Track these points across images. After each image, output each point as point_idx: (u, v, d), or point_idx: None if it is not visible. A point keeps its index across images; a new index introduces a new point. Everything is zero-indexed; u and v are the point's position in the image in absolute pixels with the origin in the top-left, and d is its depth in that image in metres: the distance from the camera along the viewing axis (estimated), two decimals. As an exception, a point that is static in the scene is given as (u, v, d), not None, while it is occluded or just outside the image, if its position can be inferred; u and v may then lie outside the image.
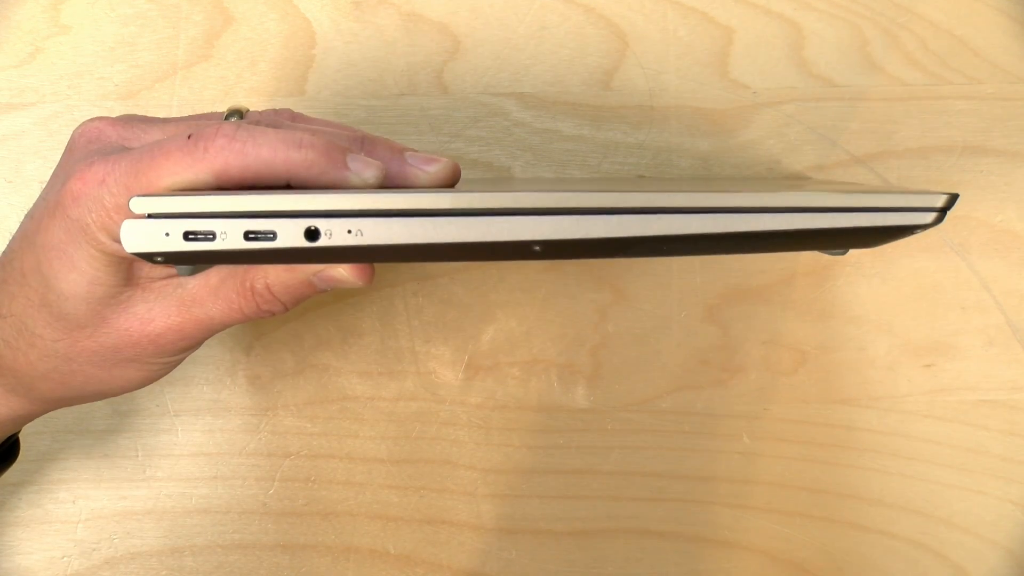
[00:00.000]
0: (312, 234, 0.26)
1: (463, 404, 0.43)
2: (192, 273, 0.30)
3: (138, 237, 0.26)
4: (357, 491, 0.42)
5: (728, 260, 0.43)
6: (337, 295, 0.43)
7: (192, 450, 0.43)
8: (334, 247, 0.26)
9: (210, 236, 0.26)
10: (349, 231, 0.26)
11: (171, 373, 0.42)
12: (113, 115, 0.31)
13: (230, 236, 0.26)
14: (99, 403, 0.42)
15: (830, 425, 0.42)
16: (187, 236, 0.26)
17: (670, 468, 0.42)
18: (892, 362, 0.42)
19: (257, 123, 0.30)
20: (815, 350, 0.42)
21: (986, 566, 0.42)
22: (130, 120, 0.31)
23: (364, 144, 0.31)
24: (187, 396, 0.43)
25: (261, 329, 0.43)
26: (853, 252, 0.42)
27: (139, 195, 0.26)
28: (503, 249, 0.27)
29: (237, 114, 0.32)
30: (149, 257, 0.27)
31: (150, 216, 0.26)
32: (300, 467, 0.42)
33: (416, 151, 0.31)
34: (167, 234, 0.26)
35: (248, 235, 0.26)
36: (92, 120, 0.31)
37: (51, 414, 0.42)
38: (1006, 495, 0.42)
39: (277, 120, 0.32)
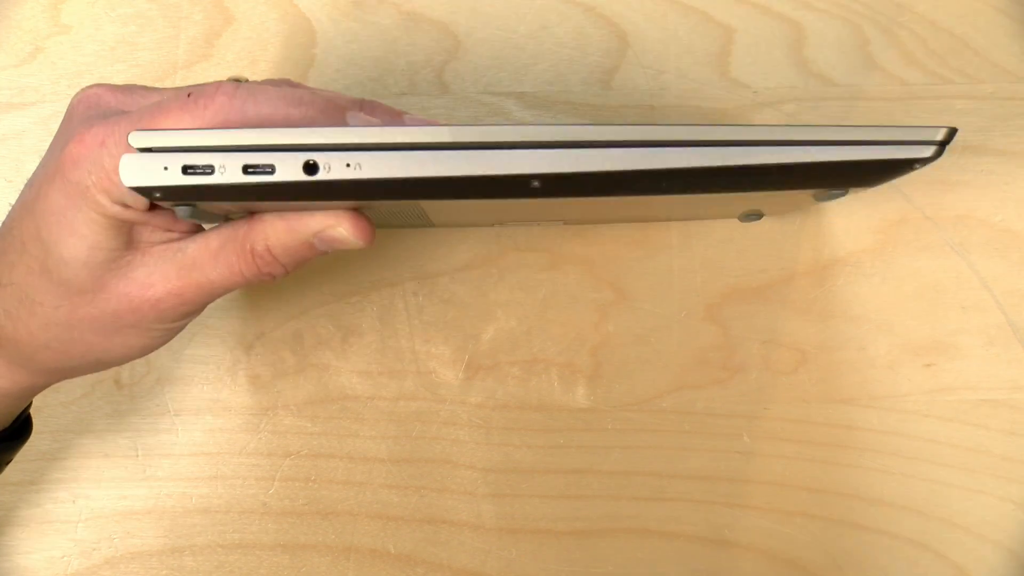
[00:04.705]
0: (311, 168, 0.26)
1: (463, 404, 0.43)
2: (191, 216, 0.30)
3: (136, 171, 0.26)
4: (357, 491, 0.42)
5: (728, 260, 0.43)
6: (338, 295, 0.43)
7: (192, 450, 0.43)
8: (332, 181, 0.26)
9: (209, 170, 0.26)
10: (348, 165, 0.26)
11: (171, 373, 0.43)
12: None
13: (228, 170, 0.26)
14: (99, 403, 0.42)
15: (830, 425, 0.42)
16: (186, 170, 0.26)
17: (670, 468, 0.42)
18: (892, 362, 0.42)
19: None
20: (815, 350, 0.42)
21: (986, 566, 0.42)
22: (130, 87, 0.31)
23: (363, 105, 0.31)
24: (187, 396, 0.43)
25: (262, 328, 0.43)
26: (853, 252, 0.42)
27: (138, 129, 0.26)
28: (501, 184, 0.26)
29: (237, 82, 0.32)
30: (147, 192, 0.26)
31: (149, 151, 0.26)
32: (300, 467, 0.42)
33: (415, 114, 0.31)
34: (166, 168, 0.26)
35: (247, 169, 0.26)
36: (91, 86, 0.30)
37: (51, 413, 0.42)
38: (1007, 495, 0.42)
39: (278, 85, 0.32)
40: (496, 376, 0.43)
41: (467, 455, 0.43)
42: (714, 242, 0.43)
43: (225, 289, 0.31)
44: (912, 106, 0.42)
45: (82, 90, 0.31)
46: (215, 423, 0.43)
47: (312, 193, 0.27)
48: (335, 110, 0.28)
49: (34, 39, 0.43)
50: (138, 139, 0.26)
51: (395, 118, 0.30)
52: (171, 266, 0.30)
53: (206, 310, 0.33)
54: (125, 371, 0.43)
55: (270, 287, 0.43)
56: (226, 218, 0.32)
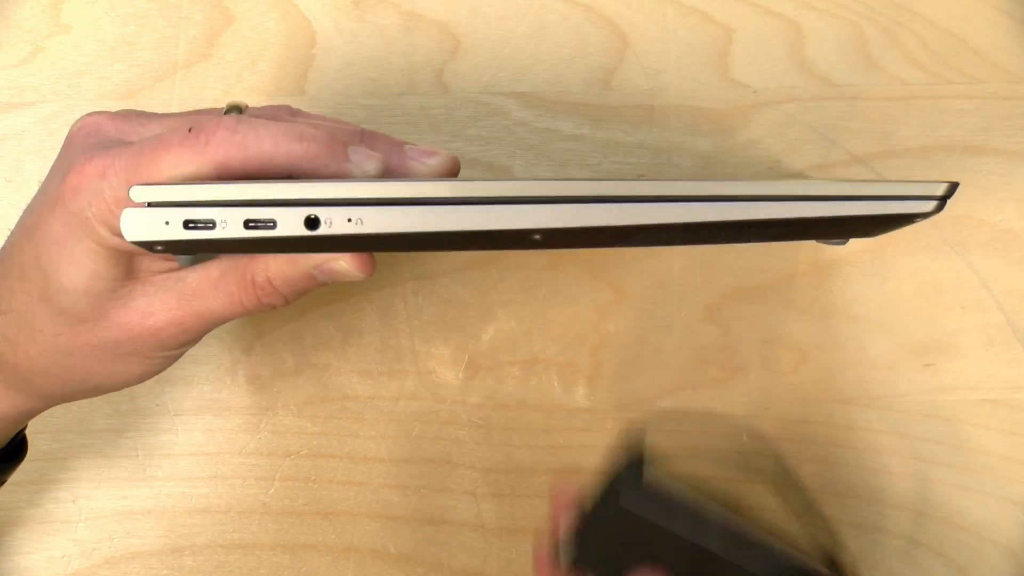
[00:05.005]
0: (312, 223, 0.26)
1: (463, 403, 0.43)
2: (192, 263, 0.30)
3: (138, 226, 0.26)
4: (357, 491, 0.42)
5: (728, 260, 0.43)
6: (338, 295, 0.43)
7: (192, 450, 0.43)
8: (334, 236, 0.26)
9: (210, 225, 0.26)
10: (349, 219, 0.26)
11: (171, 373, 0.43)
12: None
13: (230, 225, 0.26)
14: (99, 403, 0.42)
15: (830, 425, 0.42)
16: (187, 225, 0.26)
17: (670, 468, 0.42)
18: (892, 362, 0.42)
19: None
20: (815, 350, 0.42)
21: (986, 566, 0.42)
22: (129, 114, 0.31)
23: (364, 137, 0.31)
24: (187, 396, 0.43)
25: (261, 328, 0.43)
26: (853, 251, 0.42)
27: (139, 184, 0.26)
28: (503, 238, 0.27)
29: (236, 110, 0.32)
30: (149, 246, 0.27)
31: (150, 205, 0.26)
32: (300, 467, 0.42)
33: (415, 145, 0.31)
34: (167, 223, 0.26)
35: (248, 223, 0.26)
36: (91, 114, 0.31)
37: (51, 413, 0.42)
38: (1006, 494, 0.42)
39: (277, 115, 0.32)
40: (496, 376, 0.43)
41: (467, 455, 0.43)
42: (714, 242, 0.43)
43: (225, 318, 0.31)
44: (912, 106, 0.42)
45: (82, 118, 0.31)
46: (215, 423, 0.43)
47: (313, 246, 0.27)
48: (337, 144, 0.28)
49: (34, 39, 0.43)
50: (139, 193, 0.26)
51: (396, 149, 0.30)
52: (172, 295, 0.30)
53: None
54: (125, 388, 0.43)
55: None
56: None
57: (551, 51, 0.43)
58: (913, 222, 0.28)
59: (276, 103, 0.42)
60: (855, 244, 0.42)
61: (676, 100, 0.43)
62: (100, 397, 0.42)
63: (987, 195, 0.42)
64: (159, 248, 0.27)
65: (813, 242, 0.42)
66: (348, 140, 0.29)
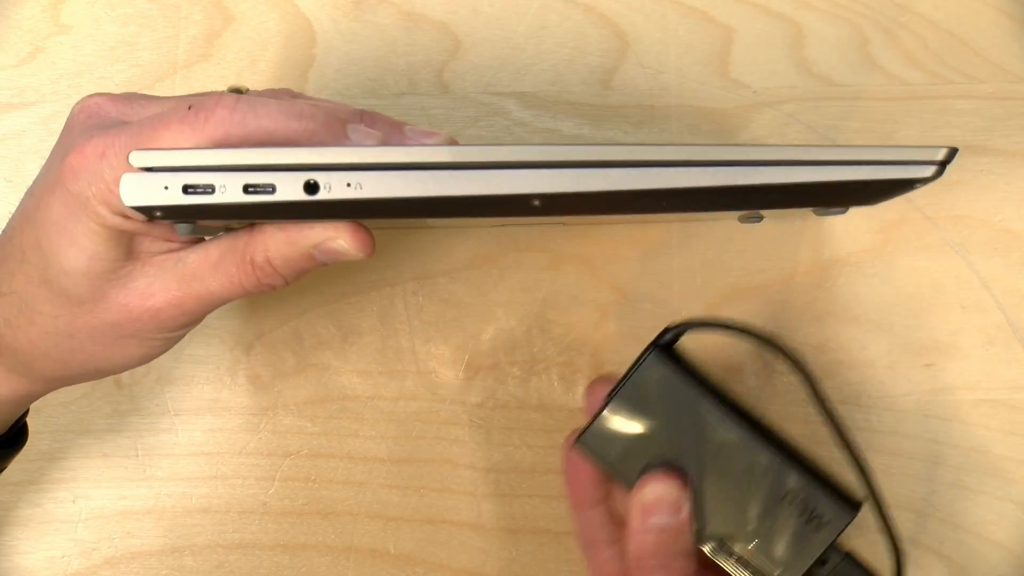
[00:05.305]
0: (311, 187, 0.26)
1: (463, 403, 0.43)
2: (192, 232, 0.30)
3: (137, 190, 0.26)
4: (357, 491, 0.42)
5: (728, 260, 0.43)
6: (338, 295, 0.43)
7: (192, 450, 0.43)
8: (333, 200, 0.26)
9: (209, 189, 0.26)
10: (348, 184, 0.26)
11: (171, 372, 0.43)
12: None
13: (229, 189, 0.26)
14: (99, 403, 0.42)
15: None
16: (186, 190, 0.26)
17: (670, 468, 0.42)
18: (892, 362, 0.42)
19: None
20: (814, 350, 0.42)
21: (986, 566, 0.42)
22: (130, 96, 0.31)
23: (363, 117, 0.31)
24: (187, 396, 0.43)
25: (262, 328, 0.43)
26: (853, 251, 0.42)
27: (138, 149, 0.26)
28: (502, 203, 0.26)
29: (237, 92, 0.32)
30: (148, 212, 0.27)
31: (149, 170, 0.26)
32: (300, 467, 0.42)
33: (415, 126, 0.31)
34: (166, 187, 0.26)
35: (247, 188, 0.26)
36: (91, 96, 0.31)
37: (51, 413, 0.42)
38: (1006, 495, 0.42)
39: (278, 97, 0.32)
40: (496, 376, 0.43)
41: (467, 455, 0.43)
42: (714, 242, 0.43)
43: (224, 300, 0.31)
44: (912, 106, 0.42)
45: (82, 99, 0.31)
46: (215, 423, 0.43)
47: (313, 212, 0.27)
48: (336, 123, 0.28)
49: (34, 39, 0.43)
50: (138, 158, 0.26)
51: (395, 129, 0.30)
52: (171, 276, 0.30)
53: (206, 310, 0.33)
54: (125, 371, 0.43)
55: (270, 287, 0.43)
56: (226, 228, 0.32)
57: (551, 51, 0.43)
58: (913, 188, 0.28)
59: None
60: (855, 244, 0.42)
61: (676, 100, 0.43)
62: (100, 397, 0.42)
63: (987, 195, 0.42)
64: (158, 214, 0.27)
65: (812, 243, 0.42)
66: (347, 119, 0.29)
